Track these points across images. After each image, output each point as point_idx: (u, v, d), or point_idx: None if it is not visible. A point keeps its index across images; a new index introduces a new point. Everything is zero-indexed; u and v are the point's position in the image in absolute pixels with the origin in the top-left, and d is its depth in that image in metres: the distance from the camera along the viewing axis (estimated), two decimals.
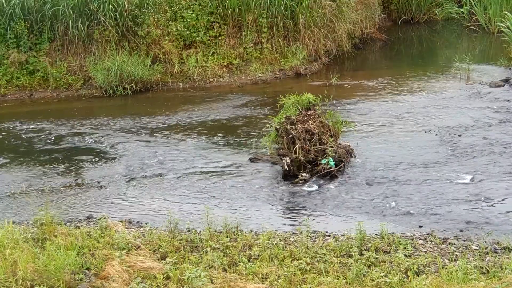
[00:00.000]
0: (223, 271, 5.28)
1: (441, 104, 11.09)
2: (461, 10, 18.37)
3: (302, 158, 8.09)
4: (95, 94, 13.17)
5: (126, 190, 8.07)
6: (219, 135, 10.20)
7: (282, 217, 7.10)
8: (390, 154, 8.75)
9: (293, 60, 14.00)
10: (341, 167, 8.10)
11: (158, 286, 5.05)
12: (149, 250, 5.75)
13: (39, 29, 13.75)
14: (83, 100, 13.03)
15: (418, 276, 5.06)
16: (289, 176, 8.05)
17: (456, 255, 5.61)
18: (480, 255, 5.58)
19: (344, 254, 5.59)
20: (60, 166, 9.11)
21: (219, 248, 5.76)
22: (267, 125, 9.43)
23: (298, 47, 14.21)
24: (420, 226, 6.49)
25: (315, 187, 7.77)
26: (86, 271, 5.34)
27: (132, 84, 12.99)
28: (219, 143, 9.79)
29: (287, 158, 8.08)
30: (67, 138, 10.46)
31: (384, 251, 5.64)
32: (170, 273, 5.18)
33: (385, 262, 5.38)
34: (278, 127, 8.56)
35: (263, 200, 7.53)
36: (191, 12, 14.37)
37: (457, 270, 5.00)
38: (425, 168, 8.11)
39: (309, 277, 5.09)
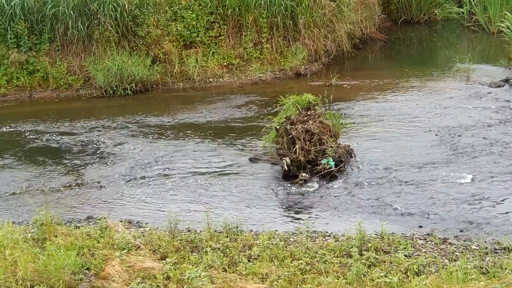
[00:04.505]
0: (223, 271, 5.28)
1: (441, 104, 11.09)
2: (461, 10, 18.39)
3: (302, 158, 8.08)
4: (95, 94, 13.17)
5: (126, 190, 8.07)
6: (219, 135, 10.20)
7: (282, 217, 7.10)
8: (390, 154, 8.75)
9: (293, 60, 14.00)
10: (341, 167, 8.10)
11: (158, 286, 5.04)
12: (149, 250, 5.75)
13: (39, 29, 13.74)
14: (83, 100, 13.03)
15: (418, 276, 5.05)
16: (289, 176, 8.05)
17: (456, 255, 5.61)
18: (480, 255, 5.58)
19: (344, 254, 5.59)
20: (60, 166, 9.11)
21: (219, 248, 5.76)
22: (267, 125, 9.43)
23: (298, 47, 14.21)
24: (420, 226, 6.49)
25: (315, 187, 7.76)
26: (86, 271, 5.34)
27: (132, 84, 13.00)
28: (219, 143, 9.79)
29: (287, 158, 8.08)
30: (67, 138, 10.45)
31: (384, 251, 5.64)
32: (170, 273, 5.18)
33: (385, 262, 5.38)
34: (278, 127, 8.56)
35: (263, 200, 7.53)
36: (191, 12, 14.38)
37: (457, 270, 4.99)
38: (425, 168, 8.11)
39: (309, 277, 5.09)
